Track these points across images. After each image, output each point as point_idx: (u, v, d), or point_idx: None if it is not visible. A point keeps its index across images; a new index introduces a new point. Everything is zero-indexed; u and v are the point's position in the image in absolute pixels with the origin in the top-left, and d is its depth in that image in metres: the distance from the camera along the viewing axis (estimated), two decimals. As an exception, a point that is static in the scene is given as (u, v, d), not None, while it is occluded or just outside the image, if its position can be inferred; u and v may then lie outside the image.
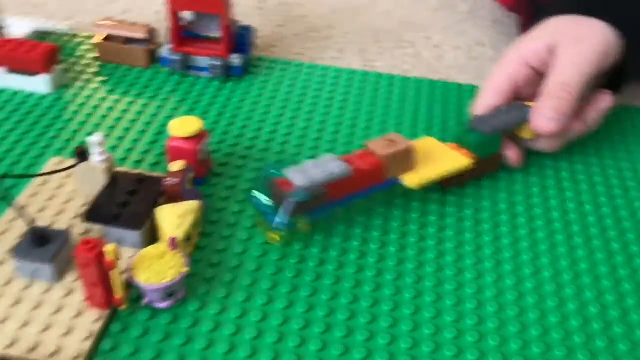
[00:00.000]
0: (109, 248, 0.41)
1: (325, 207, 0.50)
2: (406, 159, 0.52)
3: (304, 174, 0.48)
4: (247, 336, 0.44)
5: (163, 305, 0.45)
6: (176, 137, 0.53)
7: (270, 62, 0.74)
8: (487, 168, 0.57)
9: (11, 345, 0.41)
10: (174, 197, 0.50)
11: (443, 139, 0.58)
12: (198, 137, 0.54)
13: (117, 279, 0.42)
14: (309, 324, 0.45)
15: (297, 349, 0.43)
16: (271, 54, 0.77)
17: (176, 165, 0.50)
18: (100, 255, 0.41)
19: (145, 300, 0.45)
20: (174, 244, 0.45)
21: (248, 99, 0.67)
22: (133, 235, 0.48)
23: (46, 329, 0.42)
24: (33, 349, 0.41)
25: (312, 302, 0.46)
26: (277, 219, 0.48)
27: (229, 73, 0.70)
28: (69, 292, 0.45)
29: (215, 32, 0.69)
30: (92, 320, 0.43)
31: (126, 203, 0.49)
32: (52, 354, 0.41)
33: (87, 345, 0.42)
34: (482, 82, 0.62)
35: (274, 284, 0.48)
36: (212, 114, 0.65)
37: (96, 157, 0.50)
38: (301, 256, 0.50)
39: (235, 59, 0.69)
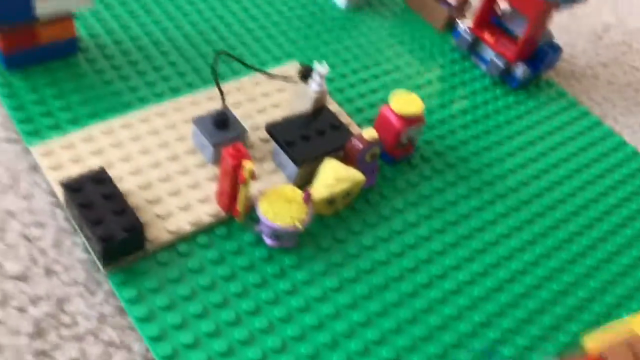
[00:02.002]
0: (247, 165, 0.42)
1: None
2: None
3: None
4: (308, 320, 0.42)
5: (268, 241, 0.45)
6: (390, 108, 0.51)
7: (555, 94, 0.65)
8: None
9: (140, 187, 0.46)
10: (349, 158, 0.49)
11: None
12: (411, 120, 0.51)
13: (243, 194, 0.44)
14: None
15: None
16: (567, 87, 0.68)
17: (368, 133, 0.49)
18: (239, 166, 0.43)
19: (257, 227, 0.46)
20: (307, 198, 0.44)
21: (503, 114, 0.61)
22: (291, 168, 0.48)
23: (172, 193, 0.46)
24: (151, 201, 0.45)
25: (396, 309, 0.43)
26: None
27: (505, 79, 0.64)
28: (212, 179, 0.48)
29: (520, 32, 0.63)
30: (208, 212, 0.46)
31: (308, 137, 0.49)
32: (158, 215, 0.44)
33: (187, 229, 0.44)
34: None
35: (370, 291, 0.45)
36: (457, 107, 0.61)
37: (313, 84, 0.51)
38: (414, 289, 0.46)
39: (519, 69, 0.63)
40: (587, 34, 0.76)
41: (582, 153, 0.60)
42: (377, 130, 0.52)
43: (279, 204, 0.44)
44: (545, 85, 0.66)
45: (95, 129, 0.49)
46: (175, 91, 0.54)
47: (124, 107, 0.52)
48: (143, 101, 0.53)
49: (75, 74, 0.53)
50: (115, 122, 0.50)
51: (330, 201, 0.48)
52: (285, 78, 0.51)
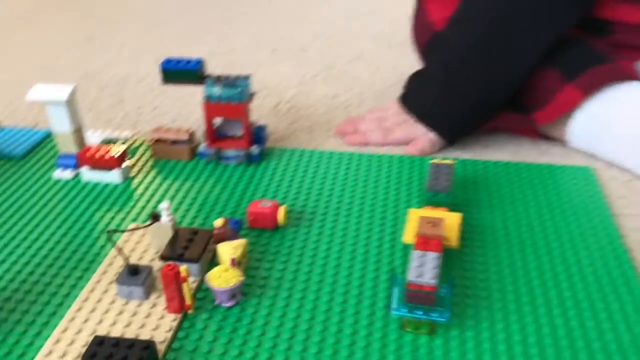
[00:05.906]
0: (182, 267, 0.63)
1: None
2: None
3: None
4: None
5: (228, 304, 0.66)
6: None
7: (280, 150, 0.98)
8: None
9: (122, 335, 0.63)
10: (220, 240, 0.73)
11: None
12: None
13: (187, 290, 0.64)
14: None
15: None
16: (282, 144, 1.02)
17: (219, 222, 0.73)
18: (178, 274, 0.63)
19: (216, 302, 0.66)
20: (234, 262, 0.67)
21: (265, 178, 0.91)
22: (194, 266, 0.70)
23: (142, 326, 0.64)
24: (137, 336, 0.62)
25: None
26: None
27: (249, 160, 0.95)
28: (154, 305, 0.67)
29: (238, 131, 0.94)
30: (171, 320, 0.65)
31: (187, 247, 0.72)
32: (150, 338, 0.62)
33: (169, 334, 0.63)
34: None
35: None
36: (238, 189, 0.88)
37: (165, 218, 0.74)
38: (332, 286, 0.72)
39: (255, 149, 0.94)
40: (268, 109, 1.12)
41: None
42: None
43: (223, 276, 0.65)
44: (273, 150, 0.98)
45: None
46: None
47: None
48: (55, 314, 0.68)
49: None
50: None
51: (238, 263, 0.70)
52: (148, 225, 0.72)
